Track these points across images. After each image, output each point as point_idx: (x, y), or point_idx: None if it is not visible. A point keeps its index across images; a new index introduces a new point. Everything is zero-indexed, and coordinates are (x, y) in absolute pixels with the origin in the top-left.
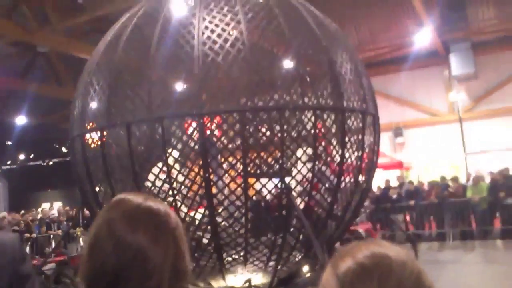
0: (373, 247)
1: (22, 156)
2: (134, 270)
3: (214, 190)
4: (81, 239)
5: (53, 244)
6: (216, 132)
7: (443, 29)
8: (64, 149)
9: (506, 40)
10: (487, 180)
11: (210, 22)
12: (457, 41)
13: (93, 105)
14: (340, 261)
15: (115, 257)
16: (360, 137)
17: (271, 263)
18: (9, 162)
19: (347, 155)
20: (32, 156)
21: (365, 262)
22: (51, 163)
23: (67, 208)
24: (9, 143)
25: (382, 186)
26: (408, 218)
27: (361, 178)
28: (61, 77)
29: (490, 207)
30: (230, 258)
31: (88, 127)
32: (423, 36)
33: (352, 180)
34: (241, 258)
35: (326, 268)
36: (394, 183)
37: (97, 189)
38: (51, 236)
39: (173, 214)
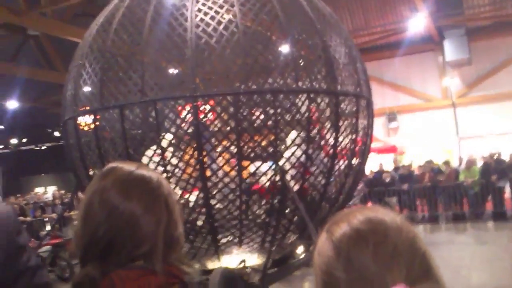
0: (367, 213)
1: (14, 141)
2: (126, 237)
3: (208, 172)
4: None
5: (48, 228)
6: (210, 115)
7: (437, 15)
8: (57, 134)
9: (500, 27)
10: (479, 164)
11: (203, 5)
12: (451, 27)
13: (86, 88)
14: (335, 226)
15: (108, 225)
16: (353, 120)
17: (266, 245)
18: (1, 147)
19: (340, 138)
20: (24, 140)
21: (361, 228)
22: (44, 147)
23: (63, 192)
24: (1, 127)
25: (375, 170)
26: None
27: (354, 160)
28: (53, 61)
29: (482, 190)
30: (224, 240)
31: (81, 110)
32: (418, 22)
33: (346, 162)
34: (236, 239)
35: (320, 234)
36: (387, 167)
37: (91, 172)
38: (46, 219)
39: (165, 182)
